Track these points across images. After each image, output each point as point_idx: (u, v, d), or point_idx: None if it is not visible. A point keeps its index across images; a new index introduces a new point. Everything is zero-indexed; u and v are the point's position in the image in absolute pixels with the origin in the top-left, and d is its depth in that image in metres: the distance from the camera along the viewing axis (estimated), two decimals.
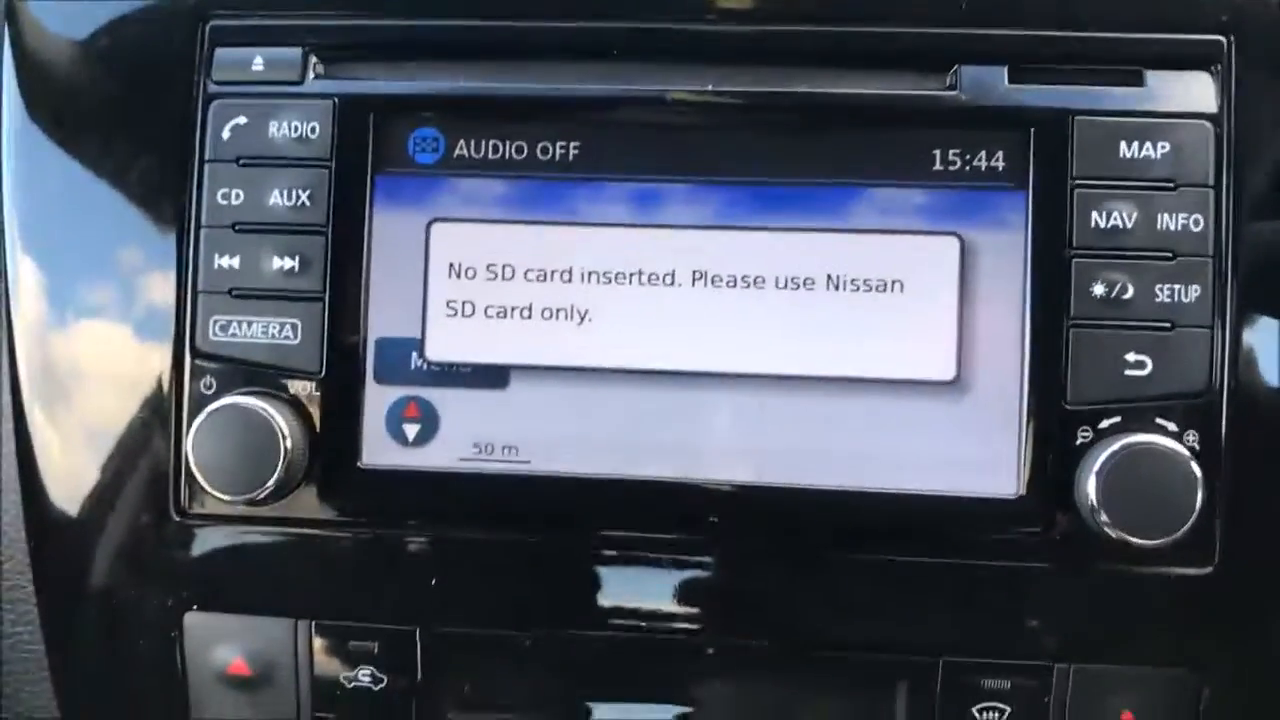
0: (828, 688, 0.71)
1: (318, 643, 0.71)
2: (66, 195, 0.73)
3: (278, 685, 0.71)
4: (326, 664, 0.70)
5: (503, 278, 0.70)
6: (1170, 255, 0.66)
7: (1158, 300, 0.65)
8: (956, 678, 0.68)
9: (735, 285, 0.69)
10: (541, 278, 0.69)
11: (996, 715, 0.68)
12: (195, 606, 0.71)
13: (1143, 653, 0.67)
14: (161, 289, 0.71)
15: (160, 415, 0.71)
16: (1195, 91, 0.67)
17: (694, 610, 0.69)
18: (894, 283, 0.68)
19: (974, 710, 0.68)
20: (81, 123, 0.74)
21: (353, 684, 0.70)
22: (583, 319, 0.69)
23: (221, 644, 0.71)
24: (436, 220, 0.70)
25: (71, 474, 0.73)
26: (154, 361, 0.71)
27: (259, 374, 0.69)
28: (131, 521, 0.72)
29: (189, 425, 0.68)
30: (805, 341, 0.68)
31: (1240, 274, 0.66)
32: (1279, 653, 0.68)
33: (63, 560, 0.73)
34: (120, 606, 0.72)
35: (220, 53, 0.71)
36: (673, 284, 0.69)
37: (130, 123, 0.73)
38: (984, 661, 0.68)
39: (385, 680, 0.70)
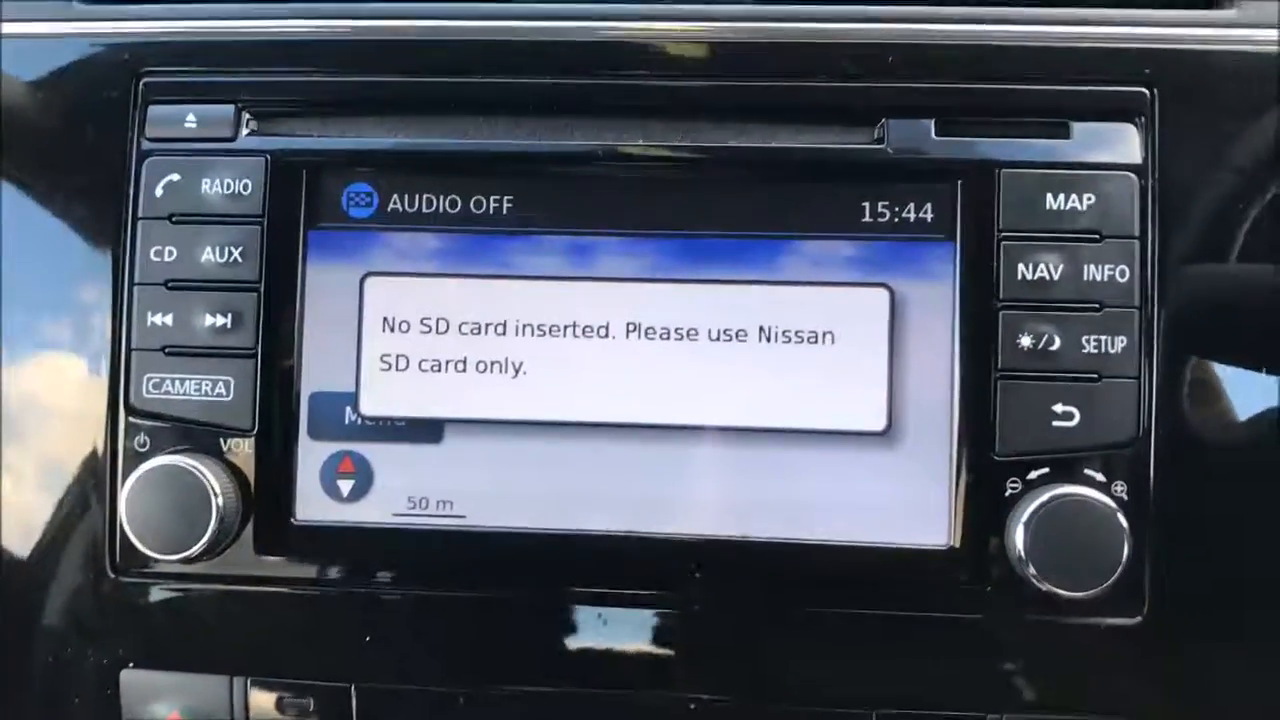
0: None
1: (254, 699, 0.70)
2: (4, 245, 0.73)
3: None
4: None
5: (437, 331, 0.70)
6: (1097, 306, 0.66)
7: (1085, 351, 0.66)
8: None
9: (669, 337, 0.69)
10: (476, 331, 0.70)
11: None
12: (132, 664, 0.71)
13: (1075, 702, 0.67)
14: (97, 346, 0.71)
15: (97, 473, 0.71)
16: (1120, 143, 0.67)
17: (625, 665, 0.69)
18: (825, 334, 0.68)
19: None
20: (23, 169, 0.74)
21: None
22: (517, 372, 0.69)
23: (159, 700, 0.71)
24: (370, 274, 0.70)
25: (13, 529, 0.73)
26: (91, 418, 0.71)
27: (193, 431, 0.69)
28: (70, 578, 0.72)
29: (123, 483, 0.67)
30: (738, 393, 0.69)
31: (1166, 324, 0.67)
32: (1209, 699, 0.68)
33: (4, 614, 0.73)
34: (59, 662, 0.72)
35: (154, 109, 0.71)
36: (606, 336, 0.69)
37: (67, 176, 0.74)
38: (918, 714, 0.67)
39: None
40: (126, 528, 0.67)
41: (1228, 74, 0.68)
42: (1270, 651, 0.67)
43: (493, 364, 0.69)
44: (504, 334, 0.69)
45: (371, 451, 0.70)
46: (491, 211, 0.70)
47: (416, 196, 0.70)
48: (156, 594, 0.71)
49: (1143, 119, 0.67)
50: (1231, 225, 0.68)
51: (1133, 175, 0.67)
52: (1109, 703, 0.67)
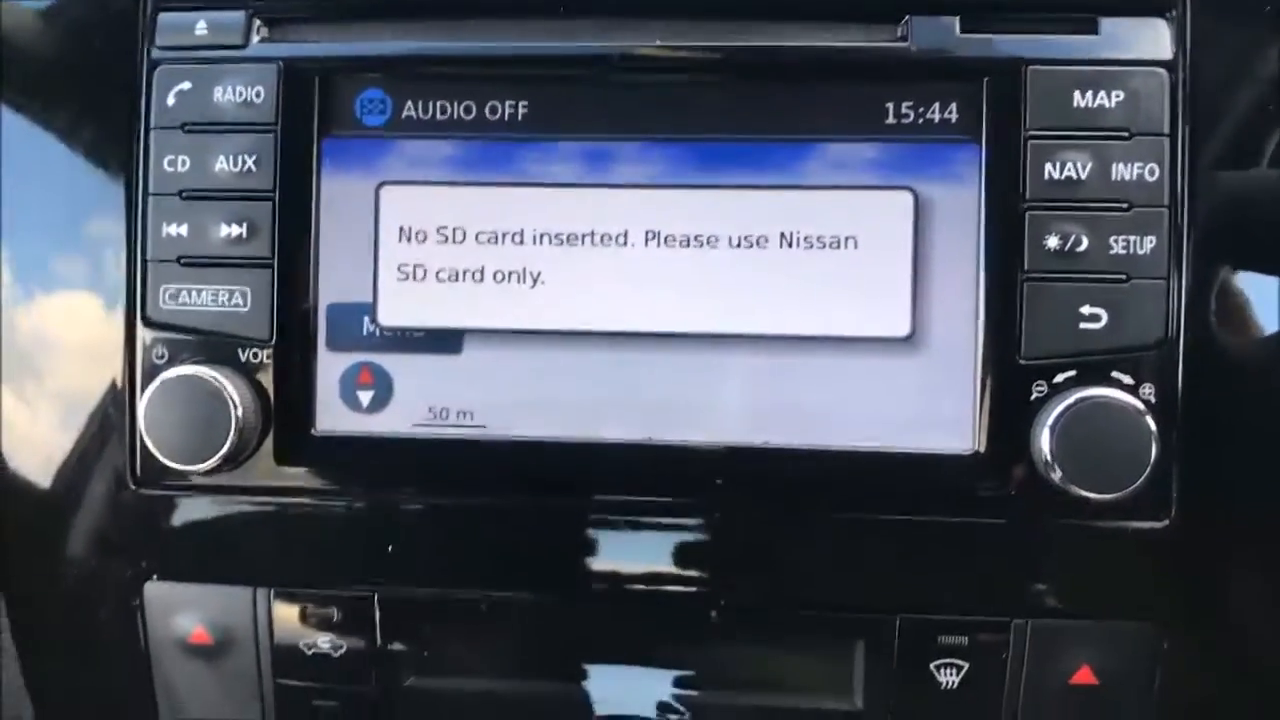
0: (786, 648, 0.70)
1: (277, 610, 0.71)
2: (14, 164, 0.72)
3: (239, 653, 0.71)
4: (286, 631, 0.71)
5: (454, 240, 0.69)
6: (1125, 206, 0.65)
7: (1113, 252, 0.65)
8: (914, 635, 0.68)
9: (688, 245, 0.68)
10: (493, 240, 0.69)
11: (954, 671, 0.67)
12: (155, 576, 0.71)
13: (1100, 607, 0.67)
14: (112, 258, 0.71)
15: (115, 386, 0.71)
16: (1150, 38, 0.66)
17: (648, 572, 0.69)
18: (848, 239, 0.67)
19: (932, 667, 0.67)
20: (28, 90, 0.73)
21: (313, 650, 0.70)
22: (535, 281, 0.69)
23: (182, 613, 0.71)
24: (385, 183, 0.69)
25: (31, 445, 0.73)
26: (107, 332, 0.71)
27: (210, 342, 0.69)
28: (90, 492, 0.72)
29: (142, 395, 0.67)
30: (760, 300, 0.68)
31: (1196, 224, 0.65)
32: (1236, 605, 0.67)
33: (24, 531, 0.73)
34: (81, 577, 0.72)
35: (163, 17, 0.70)
36: (625, 244, 0.68)
37: (76, 90, 0.73)
38: (941, 618, 0.67)
39: (345, 646, 0.70)
40: (146, 439, 0.67)
41: None
42: None
43: (510, 274, 0.69)
44: (521, 243, 0.69)
45: (390, 362, 0.69)
46: (506, 118, 0.69)
47: (431, 103, 0.69)
48: (178, 506, 0.71)
49: (1173, 13, 0.65)
50: (1265, 124, 0.66)
51: (1163, 71, 0.65)
52: (1135, 608, 0.67)
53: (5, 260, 0.73)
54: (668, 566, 0.69)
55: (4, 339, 0.73)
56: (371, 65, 0.69)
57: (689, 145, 0.68)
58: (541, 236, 0.69)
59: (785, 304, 0.68)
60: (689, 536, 0.69)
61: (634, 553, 0.69)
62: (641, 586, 0.69)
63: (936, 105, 0.67)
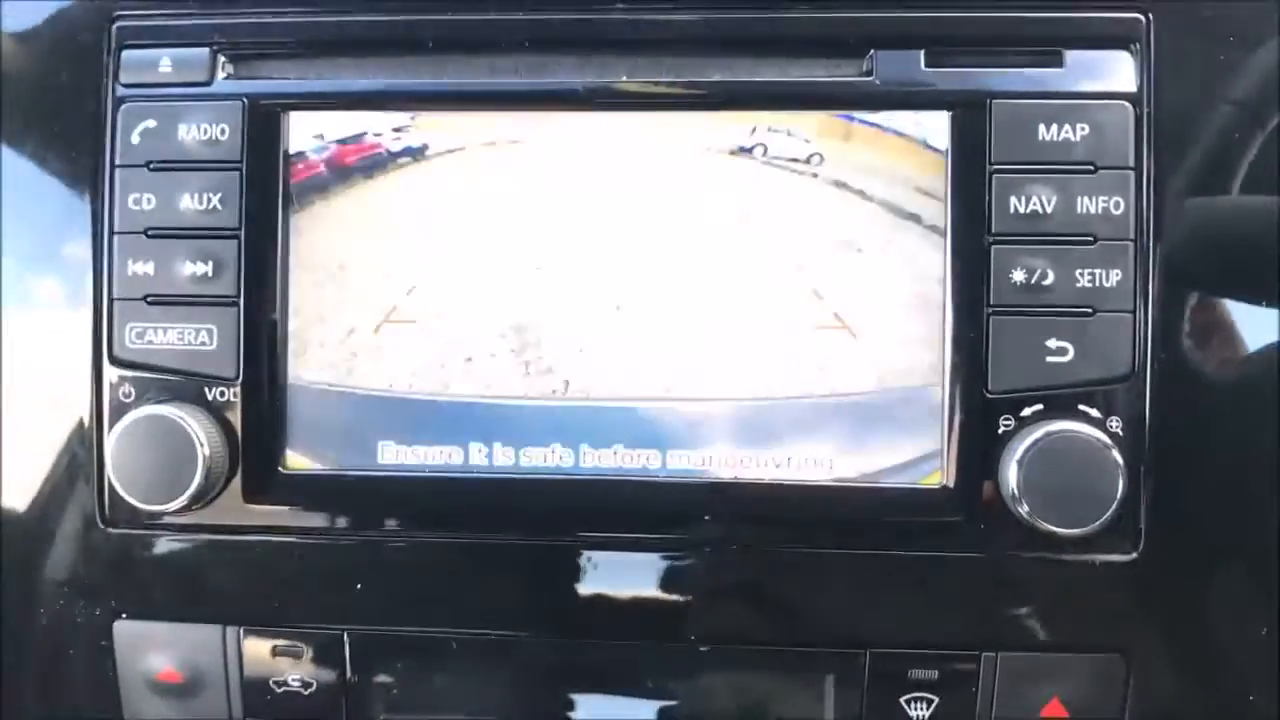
0: (758, 682, 0.70)
1: (246, 648, 0.70)
2: None
3: (209, 691, 0.71)
4: (256, 669, 0.71)
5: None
6: (1091, 239, 0.65)
7: (1079, 285, 0.65)
8: (884, 669, 0.68)
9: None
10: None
11: (925, 705, 0.67)
12: (124, 615, 0.71)
13: (1069, 639, 0.67)
14: (80, 296, 0.71)
15: (83, 425, 0.70)
16: (1114, 71, 0.66)
17: (621, 609, 0.69)
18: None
19: (902, 701, 0.67)
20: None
21: (283, 688, 0.70)
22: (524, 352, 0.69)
23: (152, 651, 0.71)
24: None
25: (4, 485, 0.73)
26: (76, 370, 0.71)
27: (177, 381, 0.69)
28: (59, 531, 0.72)
29: (109, 435, 0.67)
30: (732, 363, 0.68)
31: (1161, 257, 0.65)
32: (1204, 635, 0.67)
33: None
34: (51, 615, 0.72)
35: (128, 55, 0.70)
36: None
37: (43, 125, 0.72)
38: (911, 652, 0.67)
39: (315, 683, 0.70)
40: (113, 479, 0.67)
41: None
42: (1264, 587, 0.66)
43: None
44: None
45: None
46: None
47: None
48: (147, 545, 0.71)
49: (1137, 46, 0.66)
50: (1228, 156, 0.66)
51: (1128, 104, 0.65)
52: (1104, 639, 0.67)
53: None
54: (641, 602, 0.69)
55: None
56: (336, 102, 0.69)
57: None
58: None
59: (757, 367, 0.68)
60: (662, 572, 0.69)
61: (607, 589, 0.69)
62: (615, 622, 0.69)
63: None
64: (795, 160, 0.67)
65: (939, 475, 0.66)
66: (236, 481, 0.69)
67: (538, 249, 0.69)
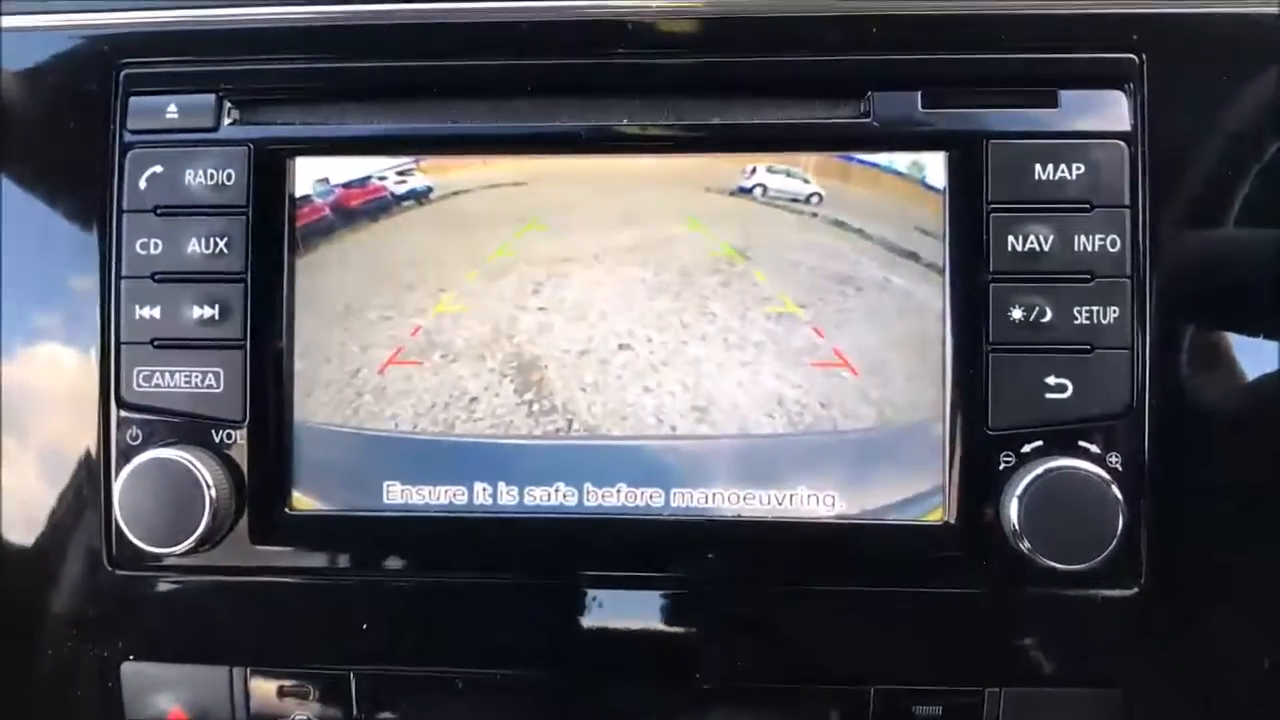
0: (763, 718, 0.70)
1: (254, 689, 0.71)
2: None
3: None
4: (263, 710, 0.71)
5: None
6: (1088, 277, 0.65)
7: (1077, 322, 0.65)
8: (888, 705, 0.68)
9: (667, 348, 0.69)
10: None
11: None
12: (132, 656, 0.71)
13: (1073, 674, 0.67)
14: (88, 340, 0.71)
15: (91, 468, 0.71)
16: (1109, 111, 0.67)
17: (626, 647, 0.69)
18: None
19: None
20: (3, 169, 0.73)
21: None
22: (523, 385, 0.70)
23: (160, 693, 0.71)
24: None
25: (11, 525, 0.73)
26: (83, 413, 0.71)
27: (184, 424, 0.69)
28: (68, 572, 0.72)
29: (116, 477, 0.67)
30: (735, 398, 0.69)
31: (1158, 293, 0.66)
32: (1208, 671, 0.67)
33: (6, 610, 0.73)
34: (61, 657, 0.72)
35: (135, 101, 0.71)
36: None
37: (51, 171, 0.73)
38: (915, 688, 0.67)
39: None
40: (121, 522, 0.67)
41: (1216, 38, 0.67)
42: (1267, 621, 0.66)
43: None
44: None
45: None
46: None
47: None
48: (154, 587, 0.71)
49: (1131, 85, 0.66)
50: (1223, 192, 0.67)
51: (1122, 143, 0.66)
52: (1106, 675, 0.67)
53: None
54: (646, 641, 0.69)
55: None
56: (342, 147, 0.70)
57: None
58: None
59: (759, 405, 0.68)
60: (666, 610, 0.69)
61: (611, 627, 0.69)
62: (620, 661, 0.69)
63: None
64: (795, 200, 0.68)
65: (941, 512, 0.67)
66: (243, 523, 0.69)
67: (541, 289, 0.69)
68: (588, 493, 0.69)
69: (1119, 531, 0.62)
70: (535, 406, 0.69)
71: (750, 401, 0.68)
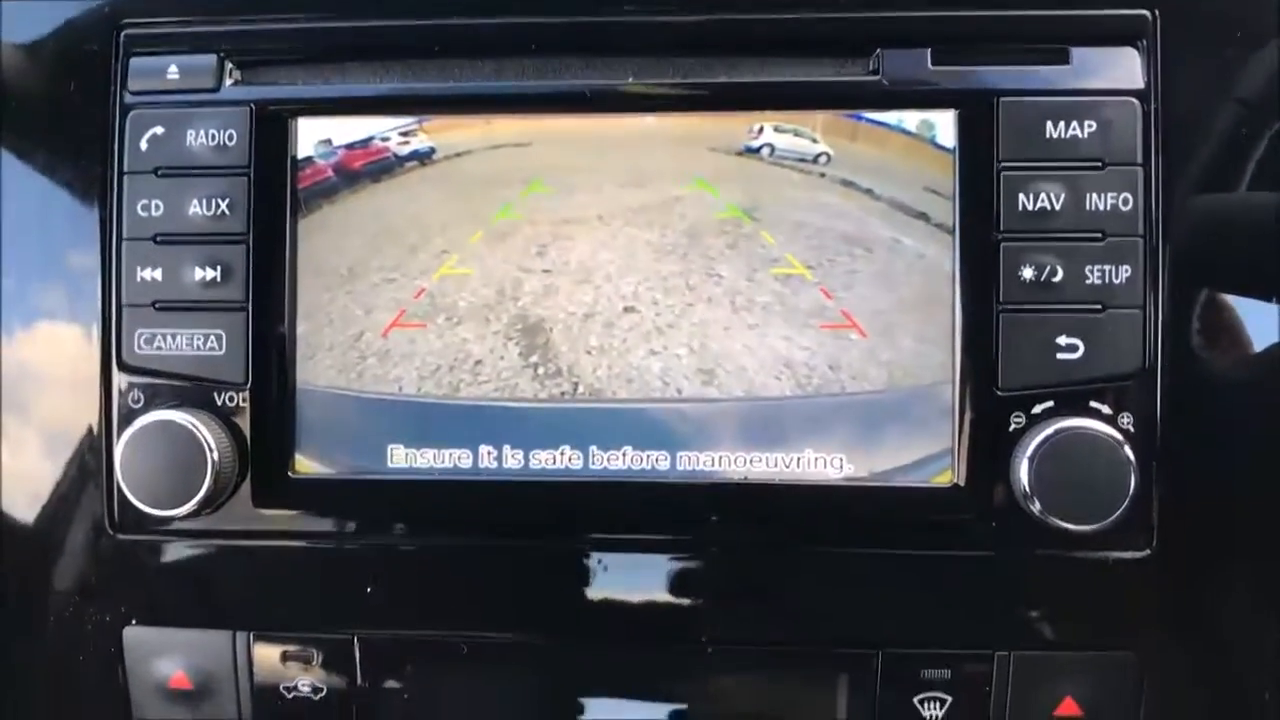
0: (770, 683, 0.70)
1: (256, 653, 0.70)
2: None
3: (219, 697, 0.70)
4: (266, 674, 0.70)
5: None
6: (1100, 236, 0.65)
7: (1088, 282, 0.65)
8: (897, 668, 0.67)
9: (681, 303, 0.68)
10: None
11: (938, 705, 0.67)
12: (134, 621, 0.71)
13: (1083, 637, 0.67)
14: (89, 303, 0.71)
15: (92, 431, 0.70)
16: (1122, 68, 0.66)
17: (632, 610, 0.69)
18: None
19: (915, 701, 0.67)
20: (3, 133, 0.73)
21: (293, 693, 0.70)
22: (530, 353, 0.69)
23: (162, 657, 0.71)
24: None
25: (14, 491, 0.73)
26: (84, 377, 0.71)
27: (186, 386, 0.68)
28: (71, 538, 0.72)
29: (118, 441, 0.67)
30: (742, 358, 0.68)
31: (1171, 252, 0.65)
32: (1218, 633, 0.67)
33: (3, 576, 0.73)
34: (64, 622, 0.72)
35: (135, 62, 0.70)
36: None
37: (51, 134, 0.73)
38: (924, 652, 0.67)
39: (325, 688, 0.70)
40: (123, 485, 0.66)
41: None
42: (1278, 584, 0.66)
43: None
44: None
45: None
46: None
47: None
48: (156, 551, 0.71)
49: (1144, 42, 0.66)
50: (1236, 151, 0.66)
51: (1135, 101, 0.65)
52: (1116, 638, 0.67)
53: None
54: (652, 605, 0.69)
55: None
56: (343, 107, 0.69)
57: None
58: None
59: (767, 367, 0.67)
60: (672, 573, 0.69)
61: (618, 591, 0.69)
62: (626, 624, 0.69)
63: None
64: (802, 160, 0.67)
65: (949, 474, 0.66)
66: (246, 486, 0.69)
67: (545, 251, 0.69)
68: (593, 456, 0.68)
69: (1130, 493, 0.62)
70: (540, 369, 0.69)
71: (757, 364, 0.67)
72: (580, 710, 0.71)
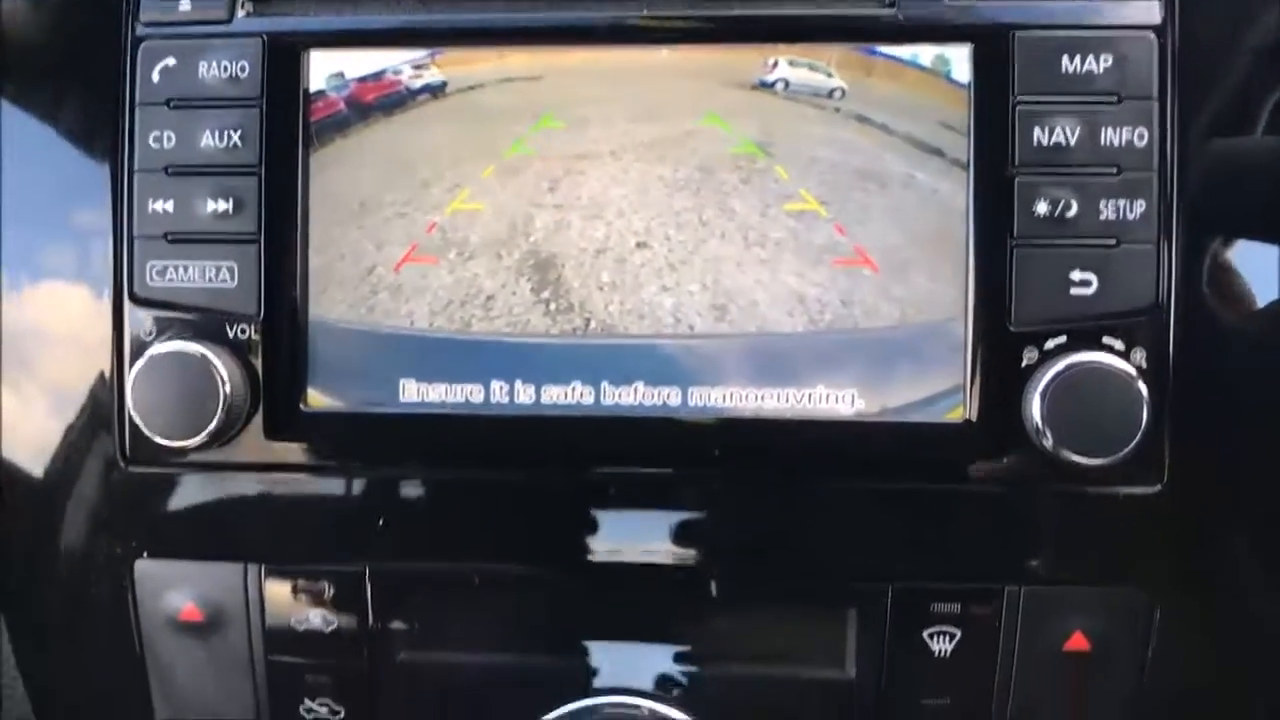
0: (779, 618, 0.70)
1: (268, 586, 0.70)
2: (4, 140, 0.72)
3: (230, 630, 0.71)
4: (277, 607, 0.70)
5: None
6: (1114, 170, 0.64)
7: (1102, 217, 0.64)
8: (907, 603, 0.67)
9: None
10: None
11: (948, 639, 0.67)
12: (145, 554, 0.71)
13: (1093, 573, 0.67)
14: (99, 236, 0.70)
15: (103, 364, 0.70)
16: (1138, 3, 0.65)
17: (642, 545, 0.69)
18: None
19: (925, 635, 0.67)
20: (10, 69, 0.73)
21: (304, 626, 0.70)
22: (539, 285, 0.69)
23: (172, 590, 0.71)
24: None
25: (20, 425, 0.73)
26: (95, 310, 0.71)
27: (198, 319, 0.68)
28: (82, 471, 0.72)
29: (129, 371, 0.67)
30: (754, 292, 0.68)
31: (1186, 188, 0.65)
32: (1229, 569, 0.67)
33: (14, 511, 0.73)
34: (71, 556, 0.72)
35: None
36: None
37: (61, 67, 0.72)
38: (934, 586, 0.67)
39: (336, 621, 0.70)
40: (134, 415, 0.66)
41: None
42: None
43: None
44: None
45: None
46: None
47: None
48: (167, 483, 0.71)
49: None
50: (1255, 88, 0.66)
51: (1152, 35, 0.65)
52: (1127, 573, 0.67)
53: None
54: (662, 539, 0.69)
55: None
56: (357, 39, 0.69)
57: None
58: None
59: (779, 303, 0.67)
60: (683, 508, 0.69)
61: (628, 525, 0.69)
62: (636, 559, 0.69)
63: None
64: (817, 94, 0.67)
65: (961, 410, 0.66)
66: (257, 420, 0.69)
67: (557, 186, 0.68)
68: (605, 391, 0.68)
69: (1143, 425, 0.62)
70: (552, 305, 0.69)
71: (770, 299, 0.67)
72: (587, 647, 0.70)
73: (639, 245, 0.68)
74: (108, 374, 0.70)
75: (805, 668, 0.70)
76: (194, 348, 0.66)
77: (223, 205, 0.68)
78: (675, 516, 0.69)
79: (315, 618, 0.70)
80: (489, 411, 0.68)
